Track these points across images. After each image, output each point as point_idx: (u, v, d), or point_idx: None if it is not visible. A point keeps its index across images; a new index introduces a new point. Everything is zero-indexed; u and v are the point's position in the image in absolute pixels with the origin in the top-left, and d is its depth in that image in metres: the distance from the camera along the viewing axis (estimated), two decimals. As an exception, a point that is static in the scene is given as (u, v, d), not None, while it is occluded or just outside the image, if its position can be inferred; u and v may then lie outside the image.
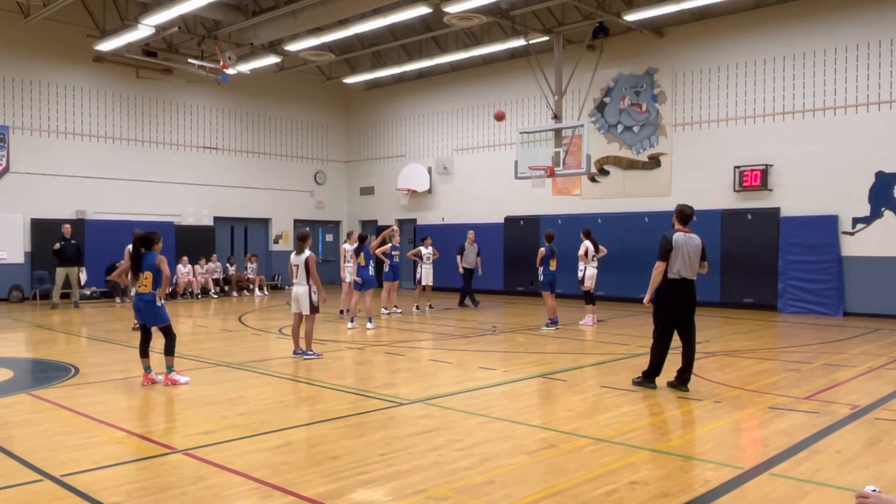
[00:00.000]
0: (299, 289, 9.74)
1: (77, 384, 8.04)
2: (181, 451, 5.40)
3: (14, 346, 11.47)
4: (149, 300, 7.93)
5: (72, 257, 17.06)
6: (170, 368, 7.96)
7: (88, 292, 19.16)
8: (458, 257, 17.75)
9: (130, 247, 14.61)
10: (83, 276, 17.43)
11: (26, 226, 18.86)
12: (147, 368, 7.99)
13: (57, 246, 17.00)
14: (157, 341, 8.07)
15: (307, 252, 9.71)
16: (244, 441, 5.71)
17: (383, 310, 15.65)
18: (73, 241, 17.20)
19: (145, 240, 8.02)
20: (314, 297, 9.69)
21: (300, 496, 4.43)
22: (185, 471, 4.97)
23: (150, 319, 8.00)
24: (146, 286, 7.92)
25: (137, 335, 8.41)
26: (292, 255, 9.89)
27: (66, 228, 17.37)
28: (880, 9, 15.34)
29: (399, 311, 16.04)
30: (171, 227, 21.00)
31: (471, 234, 18.07)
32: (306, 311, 9.71)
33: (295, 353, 9.92)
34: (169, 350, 7.96)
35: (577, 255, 13.79)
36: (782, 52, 16.60)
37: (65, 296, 17.74)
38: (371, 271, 13.24)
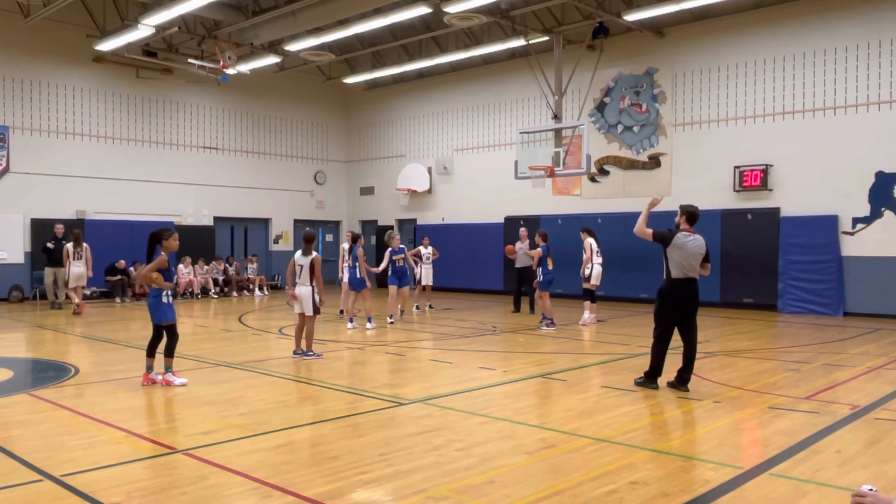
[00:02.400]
0: (303, 289, 9.69)
1: (77, 384, 8.04)
2: (181, 451, 5.39)
3: (14, 346, 11.47)
4: (154, 296, 7.92)
5: (61, 258, 17.00)
6: (168, 369, 7.91)
7: (88, 292, 19.15)
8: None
9: (69, 246, 15.37)
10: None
11: (26, 226, 18.86)
12: (149, 368, 7.96)
13: (51, 245, 16.95)
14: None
15: (313, 253, 9.70)
16: (244, 441, 5.71)
17: (413, 310, 15.45)
18: (63, 242, 17.04)
19: (154, 236, 7.99)
20: (317, 299, 9.65)
21: (300, 496, 4.43)
22: (185, 471, 4.97)
23: (155, 316, 7.96)
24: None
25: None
26: (297, 256, 9.83)
27: (59, 229, 17.25)
28: (880, 9, 15.33)
29: (391, 319, 14.31)
30: (171, 227, 20.95)
31: (523, 231, 16.28)
32: (309, 311, 9.67)
33: (295, 353, 9.90)
34: (169, 350, 7.93)
35: (588, 253, 13.60)
36: (782, 52, 16.60)
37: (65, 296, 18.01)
38: (359, 273, 13.03)
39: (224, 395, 7.48)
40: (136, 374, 8.28)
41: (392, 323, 13.91)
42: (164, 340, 7.97)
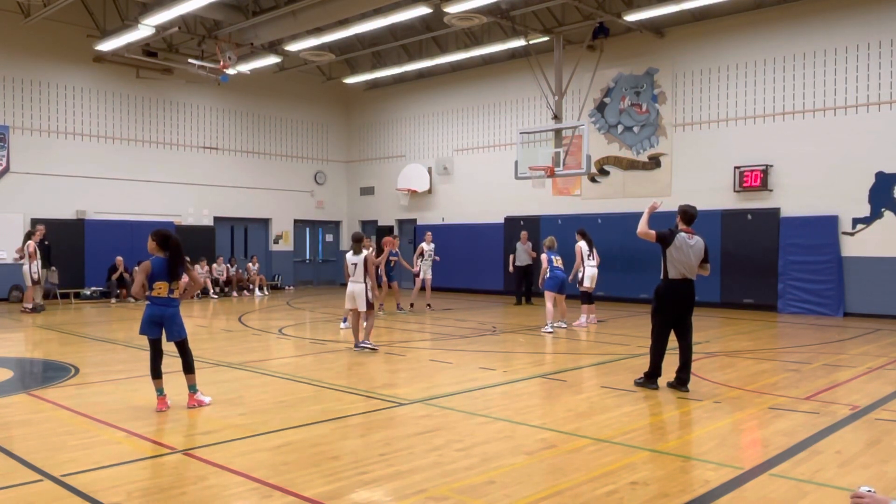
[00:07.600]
0: (356, 287, 10.23)
1: (77, 384, 8.03)
2: (181, 451, 5.40)
3: (14, 346, 11.47)
4: (176, 306, 6.86)
5: (45, 260, 16.97)
6: (193, 387, 6.90)
7: (88, 292, 19.17)
8: (511, 257, 18.09)
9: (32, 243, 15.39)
10: (54, 277, 17.46)
11: (26, 226, 18.76)
12: (160, 391, 6.83)
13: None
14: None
15: (364, 252, 10.23)
16: (244, 441, 5.71)
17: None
18: (45, 243, 16.99)
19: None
20: (370, 295, 10.18)
21: (300, 496, 4.43)
22: (185, 471, 4.97)
23: (174, 331, 6.86)
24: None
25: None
26: (349, 255, 10.38)
27: (40, 231, 17.16)
28: (880, 9, 15.33)
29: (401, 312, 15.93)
30: (171, 227, 20.99)
31: (524, 234, 18.35)
32: (363, 307, 10.23)
33: (356, 346, 10.36)
34: (189, 366, 6.90)
35: (578, 258, 13.52)
36: (782, 53, 16.60)
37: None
38: None
39: (224, 395, 7.46)
40: (136, 374, 8.27)
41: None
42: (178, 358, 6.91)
